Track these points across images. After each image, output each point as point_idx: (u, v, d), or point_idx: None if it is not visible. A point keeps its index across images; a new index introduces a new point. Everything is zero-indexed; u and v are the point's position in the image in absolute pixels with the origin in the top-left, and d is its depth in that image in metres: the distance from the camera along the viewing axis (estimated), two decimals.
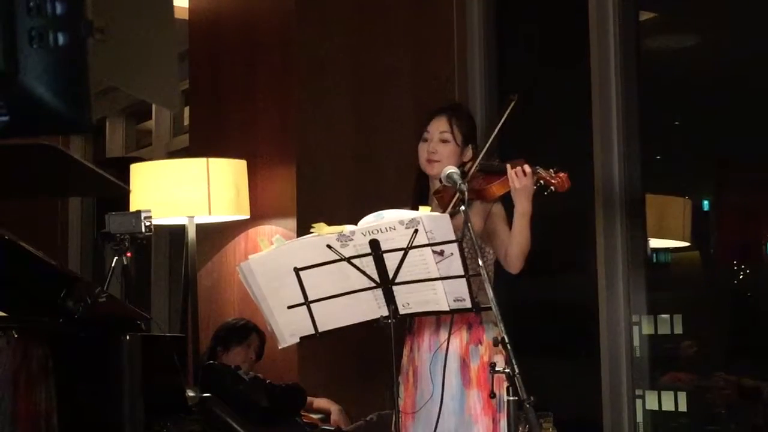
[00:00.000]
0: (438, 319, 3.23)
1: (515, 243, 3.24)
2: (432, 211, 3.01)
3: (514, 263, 3.28)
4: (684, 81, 4.86)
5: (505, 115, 3.28)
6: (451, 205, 3.16)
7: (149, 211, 4.22)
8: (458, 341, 3.25)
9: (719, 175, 4.82)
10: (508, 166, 3.20)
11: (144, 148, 7.59)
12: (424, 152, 3.40)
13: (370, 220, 2.88)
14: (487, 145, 3.31)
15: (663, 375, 4.66)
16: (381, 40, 5.38)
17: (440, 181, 3.19)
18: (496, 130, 3.30)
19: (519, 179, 3.16)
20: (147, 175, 5.05)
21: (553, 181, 3.15)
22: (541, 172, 3.17)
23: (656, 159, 4.88)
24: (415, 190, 3.46)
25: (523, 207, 3.19)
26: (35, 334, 2.83)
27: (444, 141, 3.39)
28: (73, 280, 3.34)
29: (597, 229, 4.62)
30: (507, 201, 3.33)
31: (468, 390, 3.21)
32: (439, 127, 3.41)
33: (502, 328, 2.78)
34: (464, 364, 3.23)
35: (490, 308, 2.89)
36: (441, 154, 3.37)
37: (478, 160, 3.30)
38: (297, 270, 2.89)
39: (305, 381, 4.87)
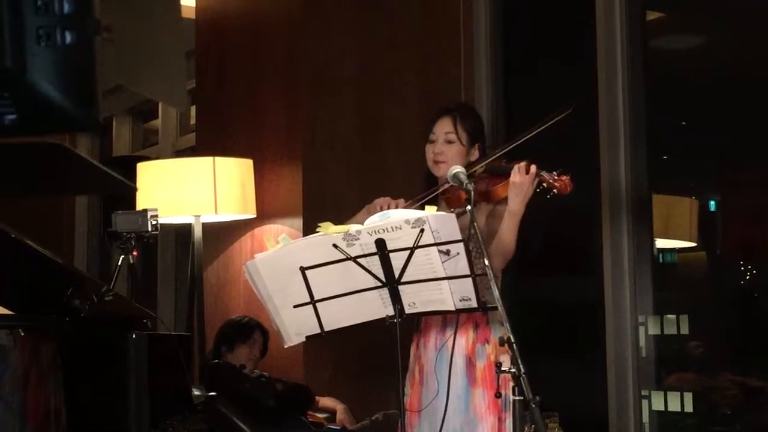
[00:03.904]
0: (444, 317, 3.23)
1: (500, 241, 3.23)
2: (440, 211, 3.01)
3: (496, 262, 3.24)
4: (691, 81, 4.85)
5: (550, 122, 3.25)
6: (461, 207, 3.15)
7: (156, 209, 4.23)
8: (465, 340, 3.25)
9: (726, 175, 4.81)
10: (516, 165, 3.20)
11: (150, 147, 7.60)
12: (431, 154, 3.40)
13: (376, 220, 2.88)
14: (497, 155, 3.30)
15: (669, 375, 4.65)
16: (387, 40, 5.38)
17: (447, 181, 3.18)
18: (533, 133, 3.26)
19: (520, 174, 3.16)
20: (153, 174, 5.06)
21: (555, 183, 3.15)
22: (544, 174, 3.16)
23: (663, 159, 4.88)
24: (424, 191, 3.46)
25: (515, 205, 3.18)
26: (43, 331, 2.84)
27: (449, 142, 3.39)
28: (80, 278, 3.35)
29: (603, 229, 4.62)
30: None
31: (473, 389, 3.21)
32: (444, 128, 3.41)
33: (508, 328, 2.78)
34: (470, 363, 3.23)
35: (496, 308, 2.88)
36: (447, 155, 3.37)
37: (484, 162, 3.29)
38: (303, 269, 2.89)
39: (311, 380, 4.88)
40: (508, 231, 3.22)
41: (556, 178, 3.15)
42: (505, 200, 3.28)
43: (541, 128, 3.26)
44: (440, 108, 3.51)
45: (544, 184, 3.17)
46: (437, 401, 3.18)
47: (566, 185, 3.14)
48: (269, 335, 4.64)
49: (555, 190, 3.16)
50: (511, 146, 3.31)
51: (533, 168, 3.17)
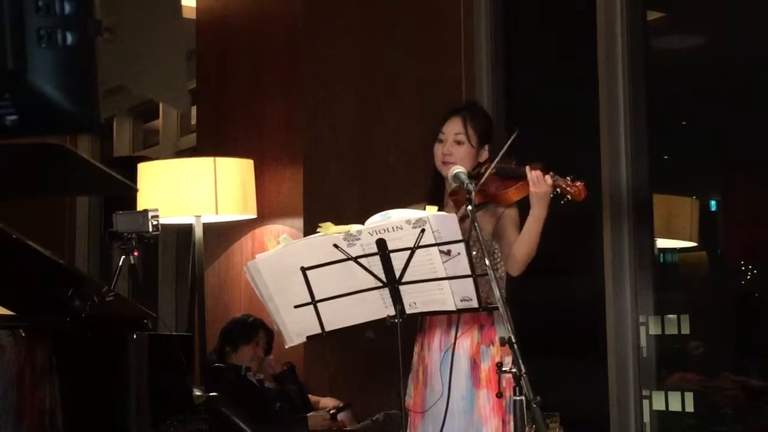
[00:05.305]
0: (449, 318, 3.23)
1: (524, 246, 3.25)
2: (446, 212, 3.01)
3: (518, 266, 3.29)
4: (691, 81, 4.85)
5: (505, 148, 3.28)
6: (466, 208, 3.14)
7: (156, 210, 4.22)
8: (469, 341, 3.25)
9: (727, 175, 4.81)
10: (528, 168, 3.20)
11: (151, 148, 7.60)
12: (439, 153, 3.39)
13: (376, 220, 2.88)
14: (496, 160, 3.30)
15: (670, 375, 4.65)
16: (388, 41, 5.38)
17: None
18: (497, 160, 3.29)
19: (539, 185, 3.17)
20: (154, 175, 5.06)
21: (570, 190, 3.16)
22: (559, 180, 3.17)
23: (664, 159, 4.87)
24: (430, 190, 3.46)
25: (540, 211, 3.20)
26: (40, 332, 2.84)
27: (458, 142, 3.38)
28: (81, 279, 3.35)
29: (604, 229, 4.62)
30: (520, 205, 3.34)
31: (478, 390, 3.21)
32: (453, 128, 3.40)
33: (509, 328, 2.78)
34: (474, 365, 3.23)
35: (497, 308, 2.89)
36: (456, 155, 3.36)
37: (493, 164, 3.29)
38: (304, 269, 2.89)
39: (312, 380, 4.88)
40: (534, 234, 3.24)
41: (570, 183, 3.16)
42: (514, 204, 3.29)
43: (502, 153, 3.28)
44: (450, 108, 3.51)
45: (558, 190, 3.18)
46: (441, 402, 3.18)
47: (580, 191, 3.15)
48: (273, 333, 4.64)
49: (569, 196, 3.17)
50: (492, 165, 3.31)
51: (549, 179, 3.17)
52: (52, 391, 2.79)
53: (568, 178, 3.18)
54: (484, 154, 3.41)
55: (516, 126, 3.32)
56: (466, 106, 3.56)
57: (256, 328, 4.70)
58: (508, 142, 3.26)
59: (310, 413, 4.62)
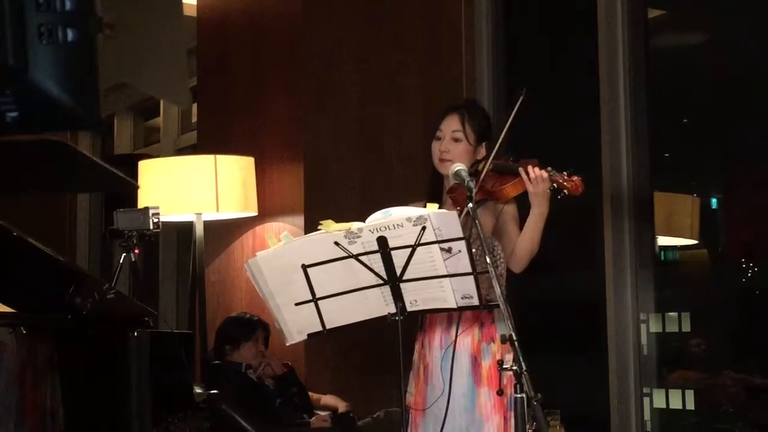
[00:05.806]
0: (449, 316, 3.23)
1: (525, 243, 3.25)
2: (445, 209, 3.01)
3: (521, 262, 3.29)
4: (692, 79, 4.85)
5: (515, 111, 3.26)
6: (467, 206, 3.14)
7: (157, 207, 4.23)
8: (470, 339, 3.25)
9: (727, 173, 4.81)
10: (521, 168, 3.19)
11: (152, 145, 7.60)
12: (437, 151, 3.39)
13: (377, 217, 2.88)
14: (498, 143, 3.29)
15: (671, 373, 4.65)
16: (389, 38, 5.38)
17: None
18: (507, 126, 3.28)
19: (535, 184, 3.16)
20: (155, 172, 5.06)
21: (566, 185, 3.15)
22: (556, 175, 3.16)
23: (665, 157, 4.88)
24: (429, 188, 3.45)
25: (541, 209, 3.20)
26: (41, 330, 2.84)
27: (456, 140, 3.38)
28: (82, 277, 3.35)
29: (605, 227, 4.62)
30: (519, 201, 3.34)
31: (479, 388, 3.21)
32: (451, 126, 3.40)
33: (509, 325, 2.78)
34: (475, 362, 3.23)
35: (497, 305, 2.88)
36: (453, 153, 3.35)
37: (490, 160, 3.28)
38: (305, 267, 2.89)
39: (313, 378, 4.88)
40: (536, 231, 3.25)
41: (566, 178, 3.15)
42: (513, 200, 3.29)
43: (511, 118, 3.25)
44: (448, 105, 3.50)
45: (555, 185, 3.17)
46: (442, 400, 3.18)
47: (577, 186, 3.15)
48: (270, 328, 4.65)
49: (566, 191, 3.16)
50: (500, 140, 3.29)
51: (544, 174, 3.16)
52: (54, 389, 2.79)
53: (565, 173, 3.17)
54: (482, 152, 3.41)
55: (522, 88, 3.29)
56: (464, 104, 3.55)
57: (254, 325, 4.71)
58: (517, 104, 3.24)
59: (312, 418, 4.63)
